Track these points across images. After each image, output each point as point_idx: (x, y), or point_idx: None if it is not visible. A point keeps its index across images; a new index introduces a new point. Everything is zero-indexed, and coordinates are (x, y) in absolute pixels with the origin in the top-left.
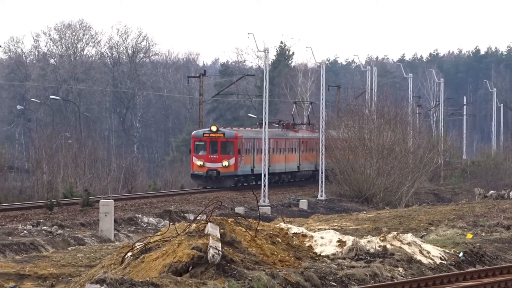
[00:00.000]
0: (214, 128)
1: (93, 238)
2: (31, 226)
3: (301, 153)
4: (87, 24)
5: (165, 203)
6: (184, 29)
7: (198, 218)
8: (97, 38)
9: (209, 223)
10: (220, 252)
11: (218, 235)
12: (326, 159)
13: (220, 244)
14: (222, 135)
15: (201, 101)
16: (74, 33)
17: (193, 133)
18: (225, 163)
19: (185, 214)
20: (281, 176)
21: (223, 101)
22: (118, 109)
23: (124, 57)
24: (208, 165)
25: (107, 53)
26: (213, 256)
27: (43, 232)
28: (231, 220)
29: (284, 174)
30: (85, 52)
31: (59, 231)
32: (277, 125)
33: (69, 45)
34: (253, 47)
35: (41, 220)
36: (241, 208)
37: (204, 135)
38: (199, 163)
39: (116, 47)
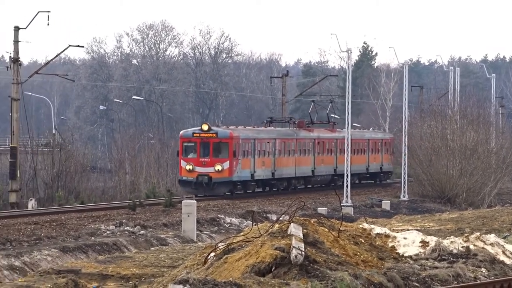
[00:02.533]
0: (205, 127)
1: (175, 238)
2: (113, 227)
3: (316, 156)
4: (169, 25)
5: (248, 203)
6: (266, 29)
7: (281, 218)
8: (179, 39)
9: (292, 224)
10: (303, 253)
11: (301, 236)
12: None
13: (303, 244)
14: (214, 135)
15: (284, 101)
16: (156, 34)
17: (181, 132)
18: (218, 167)
19: (268, 215)
20: (291, 182)
21: (306, 101)
22: (201, 109)
23: (207, 58)
24: (199, 169)
25: (189, 54)
26: (296, 256)
27: (126, 232)
28: (314, 221)
29: (294, 179)
30: (167, 53)
31: (142, 232)
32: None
33: (152, 46)
34: (336, 48)
35: (123, 221)
36: (324, 208)
37: (194, 135)
38: (188, 167)
39: (199, 47)
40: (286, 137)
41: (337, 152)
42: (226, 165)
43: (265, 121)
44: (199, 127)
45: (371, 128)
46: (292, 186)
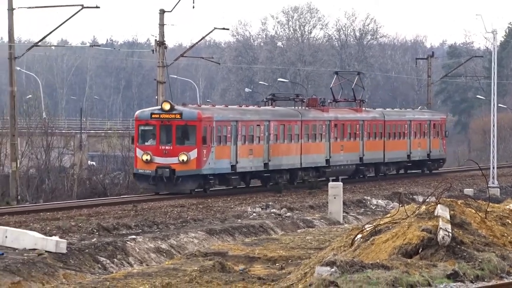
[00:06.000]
0: (166, 106)
1: (322, 220)
2: (260, 209)
3: (332, 141)
4: (314, 7)
5: (394, 185)
6: (411, 11)
7: (427, 200)
8: (324, 21)
9: (439, 205)
10: (450, 234)
11: (448, 217)
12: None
13: (450, 225)
14: (178, 116)
15: (429, 82)
16: (301, 16)
17: (136, 113)
18: (183, 157)
19: (414, 196)
20: (296, 174)
21: (451, 82)
22: (346, 91)
23: (352, 40)
24: (158, 160)
25: (334, 36)
26: (443, 238)
27: (272, 214)
28: (461, 202)
29: (301, 171)
30: (312, 35)
31: (288, 214)
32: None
33: (297, 28)
34: (481, 29)
35: (270, 203)
36: (470, 189)
37: (153, 116)
38: (145, 157)
39: (344, 29)
40: (286, 119)
41: (364, 137)
42: (193, 154)
43: (264, 99)
44: (159, 107)
45: (419, 107)
46: (297, 179)
